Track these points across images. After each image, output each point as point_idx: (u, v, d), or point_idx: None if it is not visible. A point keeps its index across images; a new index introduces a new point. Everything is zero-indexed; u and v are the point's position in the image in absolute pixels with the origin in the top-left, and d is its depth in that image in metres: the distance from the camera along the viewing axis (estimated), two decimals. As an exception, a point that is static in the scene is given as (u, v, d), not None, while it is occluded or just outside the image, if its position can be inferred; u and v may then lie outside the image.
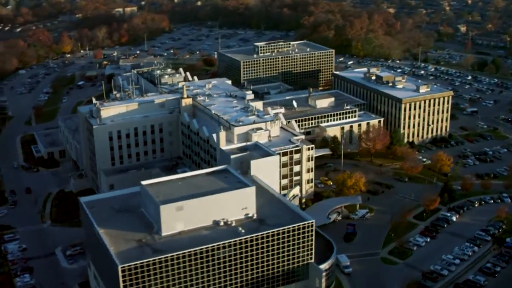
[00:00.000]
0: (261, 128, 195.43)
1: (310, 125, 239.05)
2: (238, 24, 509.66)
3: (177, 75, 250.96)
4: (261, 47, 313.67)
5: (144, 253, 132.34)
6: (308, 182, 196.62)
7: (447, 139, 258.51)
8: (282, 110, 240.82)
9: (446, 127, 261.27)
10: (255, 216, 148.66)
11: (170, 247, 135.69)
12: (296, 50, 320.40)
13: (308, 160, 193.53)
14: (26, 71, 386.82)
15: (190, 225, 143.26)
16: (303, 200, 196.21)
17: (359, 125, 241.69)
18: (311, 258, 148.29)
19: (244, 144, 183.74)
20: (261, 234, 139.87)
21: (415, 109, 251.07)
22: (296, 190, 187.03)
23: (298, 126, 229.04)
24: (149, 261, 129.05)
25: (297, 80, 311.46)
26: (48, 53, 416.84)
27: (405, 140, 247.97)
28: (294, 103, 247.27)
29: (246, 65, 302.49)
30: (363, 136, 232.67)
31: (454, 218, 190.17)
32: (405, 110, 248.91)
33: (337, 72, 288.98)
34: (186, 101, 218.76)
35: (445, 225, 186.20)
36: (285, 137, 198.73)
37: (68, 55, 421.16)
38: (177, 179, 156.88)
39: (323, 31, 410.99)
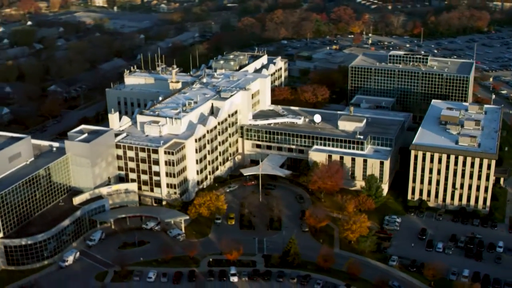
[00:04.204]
0: (156, 122, 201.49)
1: (303, 144, 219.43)
2: None
3: (231, 62, 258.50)
4: (392, 56, 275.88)
5: None
6: (171, 187, 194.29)
7: (478, 215, 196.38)
8: (300, 121, 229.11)
9: (485, 199, 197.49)
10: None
11: None
12: (435, 68, 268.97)
13: (170, 165, 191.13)
14: (286, 42, 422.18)
15: None
16: (164, 203, 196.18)
17: (353, 159, 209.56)
18: None
19: (103, 129, 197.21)
20: None
21: (431, 162, 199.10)
22: (130, 186, 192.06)
23: (292, 141, 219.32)
24: None
25: (416, 100, 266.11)
26: (332, 30, 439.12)
27: (421, 197, 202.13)
28: (316, 118, 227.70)
29: (355, 72, 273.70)
30: (315, 169, 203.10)
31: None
32: (415, 160, 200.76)
33: (437, 102, 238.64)
34: (173, 85, 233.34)
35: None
36: (182, 137, 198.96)
37: (351, 36, 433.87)
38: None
39: None
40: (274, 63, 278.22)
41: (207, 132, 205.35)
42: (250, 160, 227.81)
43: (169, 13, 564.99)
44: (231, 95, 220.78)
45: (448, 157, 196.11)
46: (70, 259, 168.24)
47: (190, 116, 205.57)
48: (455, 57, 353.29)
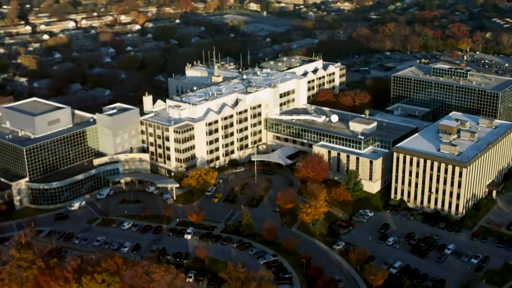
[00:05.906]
0: (179, 106, 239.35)
1: (313, 139, 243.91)
2: None
3: (279, 63, 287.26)
4: (435, 69, 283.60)
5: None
6: (178, 161, 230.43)
7: (449, 219, 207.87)
8: (320, 119, 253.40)
9: (457, 205, 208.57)
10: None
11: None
12: (474, 83, 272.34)
13: (179, 142, 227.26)
14: (389, 53, 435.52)
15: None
16: (172, 174, 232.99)
17: (348, 156, 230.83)
18: None
19: (131, 107, 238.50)
20: None
21: (411, 164, 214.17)
22: (143, 156, 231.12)
23: (304, 136, 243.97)
24: None
25: (449, 112, 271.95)
26: (440, 45, 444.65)
27: (402, 197, 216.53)
28: (333, 118, 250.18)
29: (398, 81, 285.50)
30: (300, 160, 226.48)
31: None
32: (397, 161, 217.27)
33: (456, 114, 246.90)
34: (215, 79, 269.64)
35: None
36: (196, 120, 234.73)
37: (459, 52, 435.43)
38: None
39: None
40: (325, 68, 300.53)
41: (221, 119, 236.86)
42: (272, 149, 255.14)
43: (304, 20, 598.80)
44: (256, 91, 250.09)
45: (425, 162, 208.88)
46: (76, 206, 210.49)
47: (209, 104, 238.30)
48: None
